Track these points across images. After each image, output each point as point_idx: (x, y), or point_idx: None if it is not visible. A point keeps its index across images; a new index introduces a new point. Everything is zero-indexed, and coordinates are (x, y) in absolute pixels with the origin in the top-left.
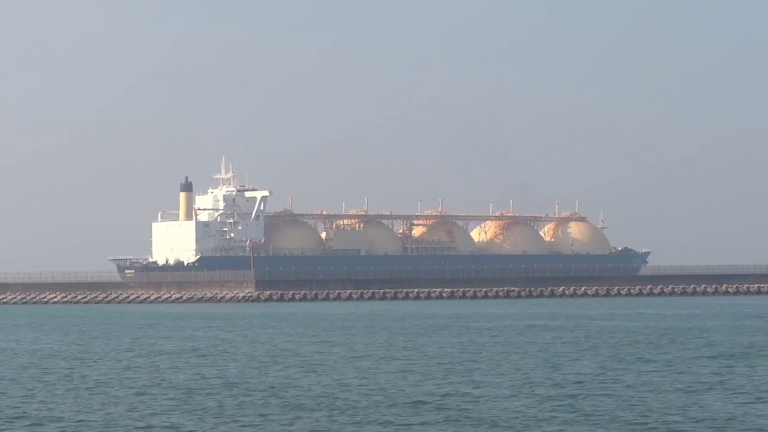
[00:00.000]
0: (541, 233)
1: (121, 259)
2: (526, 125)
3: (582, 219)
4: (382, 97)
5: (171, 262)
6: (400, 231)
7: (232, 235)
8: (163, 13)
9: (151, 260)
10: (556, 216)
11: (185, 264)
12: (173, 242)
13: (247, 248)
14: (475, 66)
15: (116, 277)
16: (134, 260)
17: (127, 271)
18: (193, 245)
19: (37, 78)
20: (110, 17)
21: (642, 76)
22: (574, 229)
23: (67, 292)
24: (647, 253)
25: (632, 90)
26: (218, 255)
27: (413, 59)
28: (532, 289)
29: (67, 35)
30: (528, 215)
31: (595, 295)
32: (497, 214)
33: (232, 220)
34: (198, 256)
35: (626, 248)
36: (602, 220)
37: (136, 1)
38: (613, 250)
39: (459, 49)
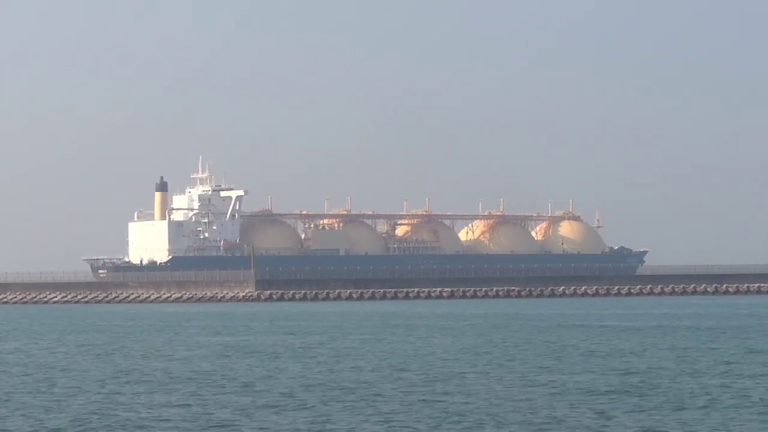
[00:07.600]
0: (533, 233)
1: (94, 259)
2: (523, 124)
3: (576, 218)
4: (370, 95)
5: (145, 261)
6: (384, 231)
7: (206, 234)
8: (141, 17)
9: (126, 260)
10: (549, 215)
11: (158, 264)
12: (148, 242)
13: (222, 248)
14: (467, 64)
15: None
16: (107, 260)
17: (100, 270)
18: (166, 245)
19: (30, 79)
20: (90, 21)
21: (639, 72)
22: (566, 228)
23: (68, 292)
24: (644, 253)
25: (629, 87)
26: (191, 255)
27: (401, 57)
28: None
29: (52, 38)
30: (519, 214)
31: (595, 294)
32: (486, 213)
33: (206, 220)
34: (170, 256)
35: (622, 247)
36: (598, 219)
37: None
38: (607, 250)
39: (450, 48)
